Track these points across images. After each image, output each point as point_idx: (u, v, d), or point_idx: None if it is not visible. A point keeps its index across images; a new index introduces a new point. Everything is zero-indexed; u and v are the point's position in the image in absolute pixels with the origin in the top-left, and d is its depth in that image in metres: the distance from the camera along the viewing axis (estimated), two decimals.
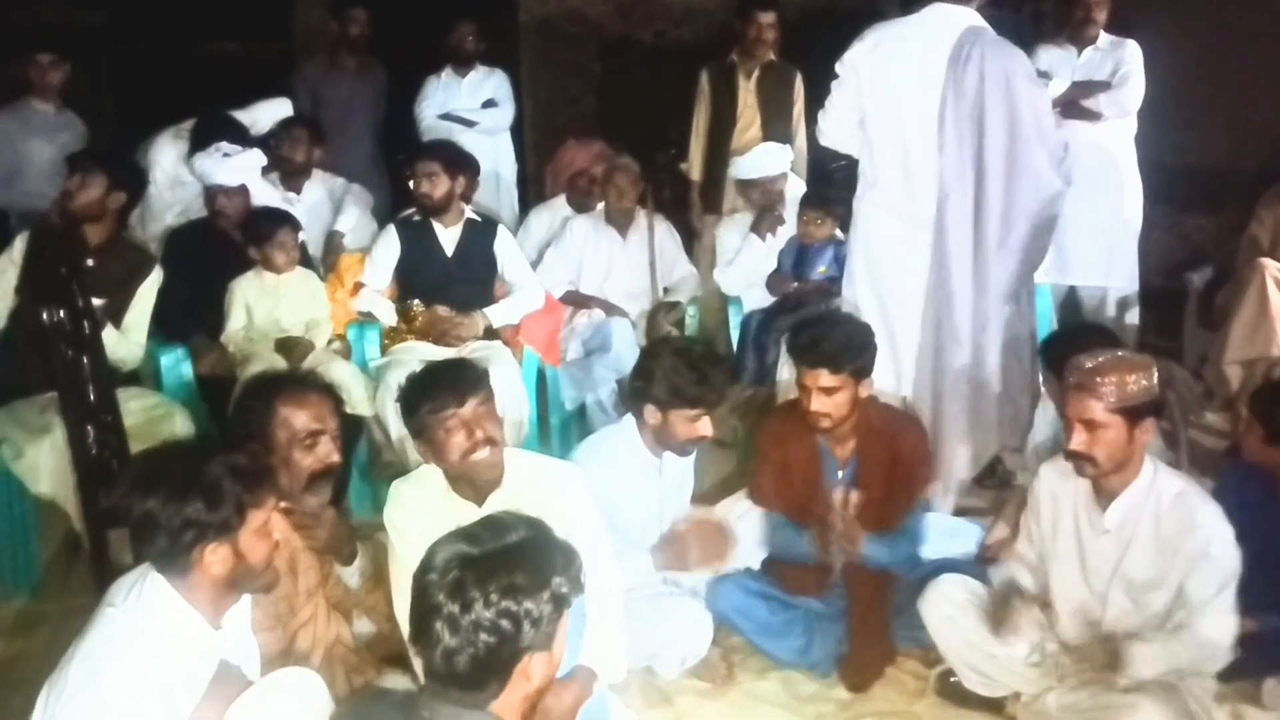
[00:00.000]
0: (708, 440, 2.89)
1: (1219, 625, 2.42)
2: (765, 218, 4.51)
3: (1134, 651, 2.41)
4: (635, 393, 2.84)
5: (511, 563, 1.46)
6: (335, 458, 2.36)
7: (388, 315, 3.94)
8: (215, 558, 1.84)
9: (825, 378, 2.81)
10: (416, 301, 3.88)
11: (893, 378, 3.41)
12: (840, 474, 3.01)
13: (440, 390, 2.33)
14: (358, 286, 4.01)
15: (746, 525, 3.03)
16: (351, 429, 3.58)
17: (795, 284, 4.41)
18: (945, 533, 3.25)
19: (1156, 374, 2.43)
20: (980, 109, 3.26)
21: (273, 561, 1.96)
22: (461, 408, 2.30)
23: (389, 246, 3.99)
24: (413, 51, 5.82)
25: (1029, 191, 3.35)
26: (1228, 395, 4.16)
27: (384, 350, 3.89)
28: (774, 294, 4.51)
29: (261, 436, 2.31)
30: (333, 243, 4.41)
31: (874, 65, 3.36)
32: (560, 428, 4.06)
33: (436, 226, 3.98)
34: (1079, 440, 2.41)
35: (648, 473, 2.89)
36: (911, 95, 3.32)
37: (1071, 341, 3.11)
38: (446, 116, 5.21)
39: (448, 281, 3.91)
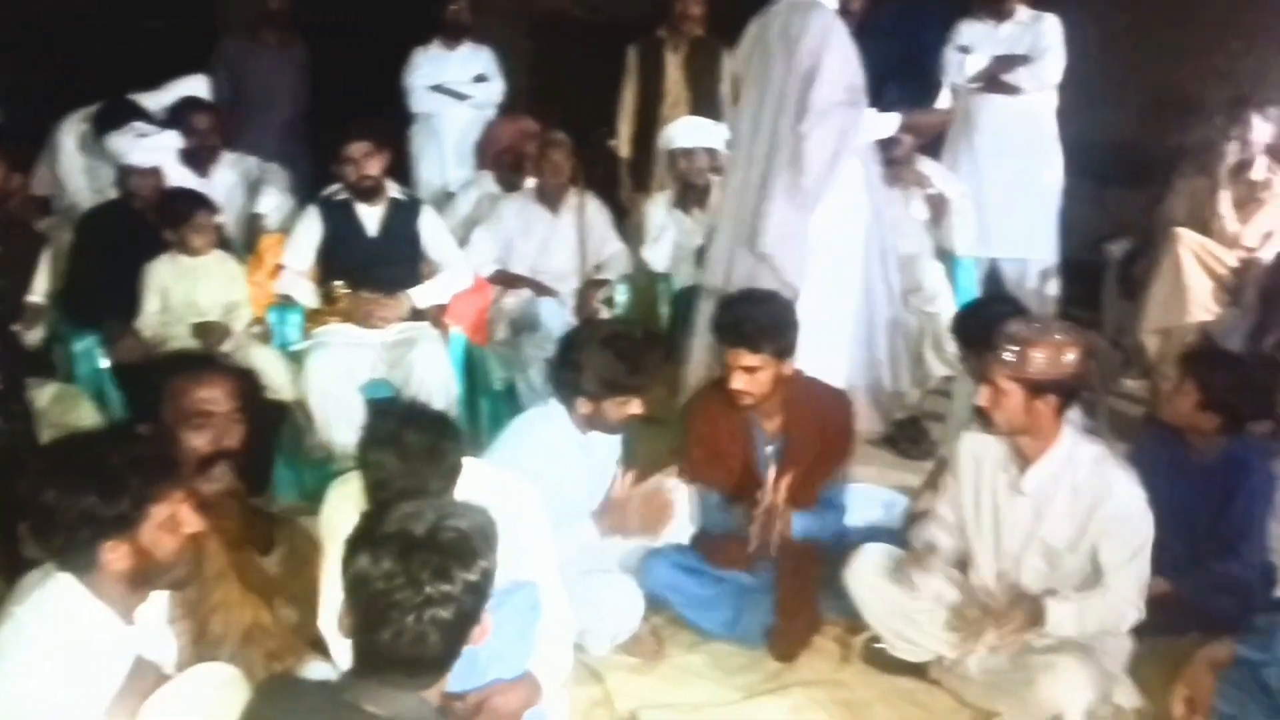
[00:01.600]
0: (639, 418, 2.89)
1: (1130, 588, 2.49)
2: (690, 193, 4.51)
3: (1052, 609, 2.47)
4: (564, 385, 2.81)
5: (457, 535, 1.47)
6: (228, 442, 2.29)
7: (309, 297, 3.86)
8: (115, 554, 1.76)
9: (746, 357, 2.82)
10: (339, 283, 3.81)
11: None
12: (769, 448, 3.03)
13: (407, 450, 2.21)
14: (278, 268, 3.92)
15: (677, 501, 3.04)
16: (273, 414, 3.54)
17: None
18: (871, 503, 3.30)
19: (1071, 359, 2.45)
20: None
21: (183, 556, 1.89)
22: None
23: (310, 227, 3.90)
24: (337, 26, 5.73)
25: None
26: (1146, 363, 4.28)
27: (306, 333, 3.81)
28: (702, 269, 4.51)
29: (153, 417, 2.24)
30: (252, 224, 4.31)
31: (745, 53, 3.50)
32: (490, 408, 4.02)
33: (360, 206, 3.90)
34: (982, 396, 2.51)
35: (576, 452, 2.87)
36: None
37: (981, 312, 3.18)
38: (438, 89, 5.15)
39: (372, 262, 3.84)
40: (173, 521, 1.83)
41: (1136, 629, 2.62)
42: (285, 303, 3.90)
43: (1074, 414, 2.80)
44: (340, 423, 3.53)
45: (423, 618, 1.42)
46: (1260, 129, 4.25)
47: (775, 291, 3.24)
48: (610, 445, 2.99)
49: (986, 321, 2.80)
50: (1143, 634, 2.65)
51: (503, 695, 2.10)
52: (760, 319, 2.85)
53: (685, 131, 4.56)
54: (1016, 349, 2.44)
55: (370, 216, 3.90)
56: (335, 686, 1.53)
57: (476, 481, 2.30)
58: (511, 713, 2.11)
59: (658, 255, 4.58)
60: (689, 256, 4.58)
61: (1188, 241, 4.20)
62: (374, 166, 3.85)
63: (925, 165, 4.41)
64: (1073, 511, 2.51)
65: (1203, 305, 4.13)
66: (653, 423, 3.79)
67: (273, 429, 3.53)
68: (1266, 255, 4.27)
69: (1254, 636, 2.35)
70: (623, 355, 2.73)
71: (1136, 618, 2.52)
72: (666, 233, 4.53)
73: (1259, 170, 4.32)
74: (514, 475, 2.43)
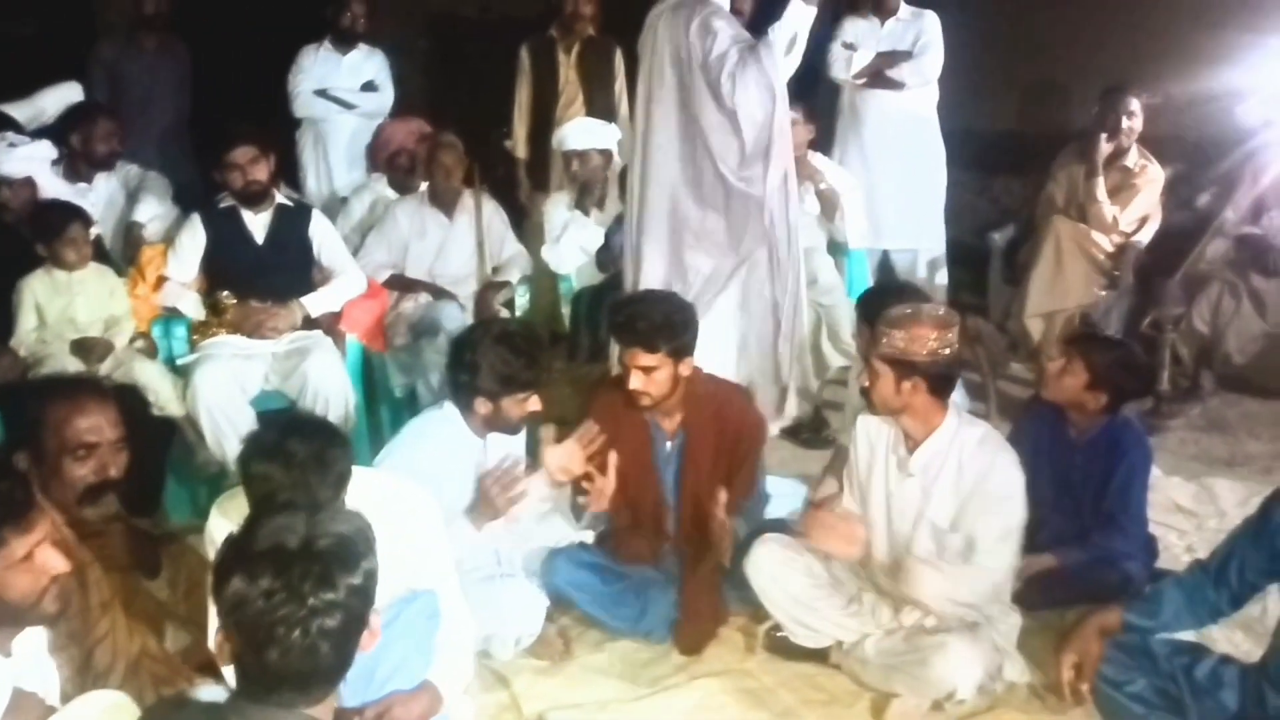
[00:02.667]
0: (538, 415, 2.87)
1: (998, 565, 2.58)
2: (589, 193, 4.51)
3: (922, 572, 2.56)
4: (461, 386, 2.79)
5: (334, 540, 1.43)
6: (113, 471, 2.22)
7: (195, 309, 3.75)
8: None
9: (642, 357, 2.83)
10: (226, 293, 3.71)
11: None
12: (669, 445, 3.05)
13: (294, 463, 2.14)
14: (161, 280, 3.80)
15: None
16: (161, 431, 3.43)
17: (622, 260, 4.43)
18: (772, 493, 3.36)
19: (934, 344, 2.53)
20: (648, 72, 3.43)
21: (44, 597, 1.80)
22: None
23: (194, 236, 3.79)
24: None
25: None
26: (1031, 346, 4.43)
27: (193, 346, 3.69)
28: (602, 270, 4.53)
29: (32, 444, 2.15)
30: (131, 235, 4.17)
31: (642, 51, 3.51)
32: (390, 416, 3.96)
33: (245, 213, 3.80)
34: (862, 376, 2.61)
35: (472, 456, 2.85)
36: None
37: (883, 297, 3.27)
38: (323, 94, 5.00)
39: (260, 270, 3.75)
40: (29, 560, 1.74)
41: (1025, 604, 2.73)
42: (170, 315, 3.77)
43: (960, 397, 2.90)
44: (232, 437, 3.43)
45: (310, 630, 1.38)
46: (1128, 116, 4.44)
47: (670, 292, 3.27)
48: (510, 447, 2.97)
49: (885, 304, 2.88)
50: (1031, 609, 2.75)
51: (403, 706, 2.07)
52: (655, 318, 2.86)
53: (577, 134, 4.57)
54: (885, 330, 2.54)
55: (257, 224, 3.81)
56: (223, 709, 1.48)
57: (368, 490, 2.27)
58: None
59: (558, 256, 4.57)
60: (589, 258, 4.59)
61: (1066, 228, 4.37)
62: (260, 172, 3.76)
63: (816, 160, 4.50)
64: (956, 491, 2.60)
65: (1082, 289, 4.30)
66: (559, 424, 3.81)
67: (161, 447, 3.43)
68: (1142, 239, 4.47)
69: (1140, 604, 2.43)
70: (518, 350, 2.73)
71: (1005, 594, 2.61)
72: (567, 233, 4.53)
73: (1132, 157, 4.51)
74: (407, 481, 2.40)
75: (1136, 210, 4.48)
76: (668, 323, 2.87)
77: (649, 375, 2.85)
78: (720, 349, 3.49)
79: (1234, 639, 2.73)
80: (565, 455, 2.84)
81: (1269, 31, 4.63)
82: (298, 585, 1.38)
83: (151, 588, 2.42)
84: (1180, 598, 2.40)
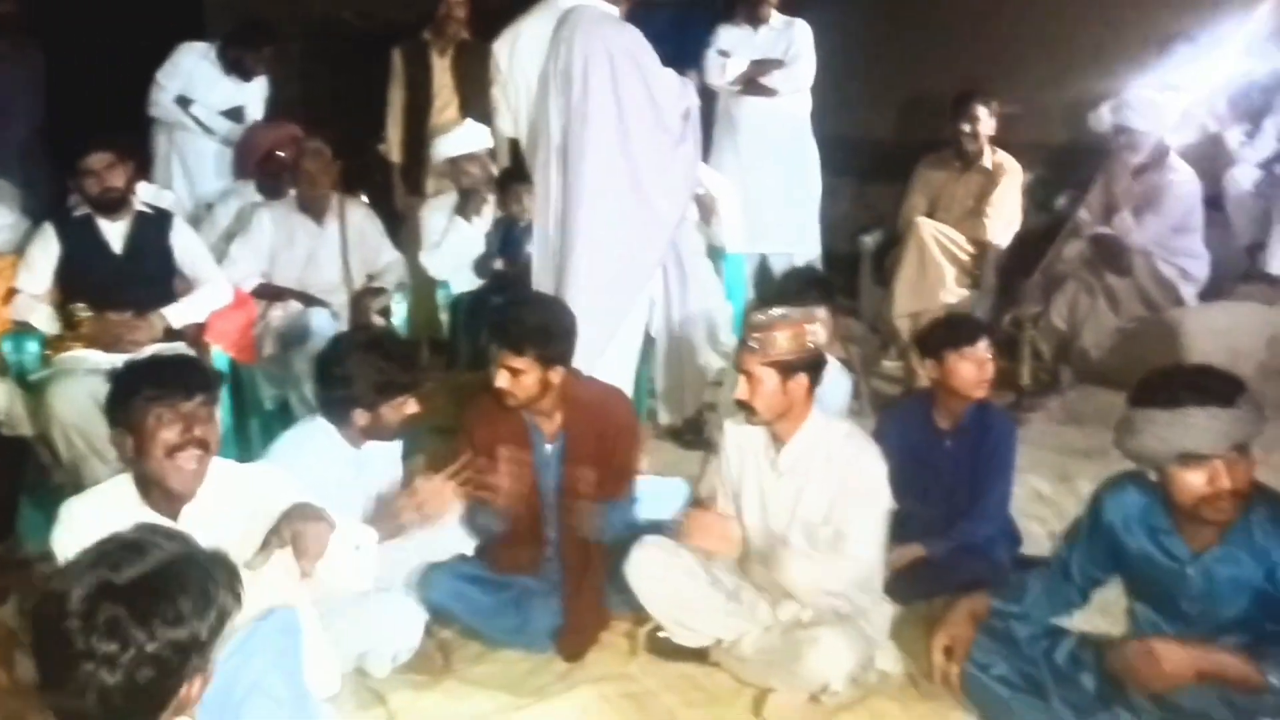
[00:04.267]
0: (417, 419, 2.83)
1: (867, 555, 2.65)
2: (469, 198, 4.46)
3: (792, 559, 2.62)
4: (335, 401, 2.73)
5: (170, 586, 1.32)
6: None
7: (48, 323, 3.57)
8: None
9: (510, 359, 2.82)
10: (82, 305, 3.54)
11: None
12: (549, 448, 3.04)
13: (167, 376, 2.16)
14: (11, 293, 3.60)
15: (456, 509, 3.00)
16: (12, 453, 3.26)
17: (502, 266, 4.40)
18: (654, 495, 3.37)
19: (810, 334, 2.62)
20: (567, 81, 3.39)
21: None
22: (186, 400, 2.14)
23: (46, 246, 3.61)
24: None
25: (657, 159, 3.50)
26: (901, 345, 4.57)
27: (46, 362, 3.51)
28: (482, 277, 4.49)
29: None
30: None
31: (509, 59, 3.49)
32: (261, 429, 3.84)
33: (102, 222, 3.65)
34: (740, 389, 2.63)
35: (348, 468, 2.79)
36: (529, 78, 3.47)
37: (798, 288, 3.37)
38: (185, 103, 4.78)
39: (118, 282, 3.59)
40: None
41: (895, 594, 2.80)
42: (21, 330, 3.58)
43: (843, 390, 2.98)
44: (91, 459, 3.29)
45: (105, 676, 1.27)
46: (984, 121, 4.63)
47: (556, 299, 3.27)
48: (387, 460, 2.92)
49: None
50: (901, 599, 2.83)
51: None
52: (527, 323, 2.85)
53: (460, 138, 4.51)
54: (761, 335, 2.57)
55: (114, 232, 3.65)
56: None
57: (222, 479, 2.20)
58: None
59: (436, 262, 4.51)
60: (468, 264, 4.54)
61: (929, 230, 4.52)
62: (116, 178, 3.61)
63: None
64: (825, 486, 2.66)
65: (946, 289, 4.45)
66: (439, 432, 3.75)
67: (12, 469, 3.26)
68: (1002, 242, 4.65)
69: (1006, 591, 2.53)
70: (390, 355, 2.71)
71: (875, 585, 2.68)
72: (446, 239, 4.48)
73: (987, 158, 4.70)
74: (277, 473, 2.36)
75: (997, 210, 4.66)
76: (541, 328, 2.85)
77: (515, 377, 2.83)
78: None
79: (1093, 622, 2.84)
80: (436, 489, 2.79)
81: (1122, 41, 4.90)
82: (125, 629, 1.28)
83: (1, 615, 2.30)
84: (1041, 588, 2.52)
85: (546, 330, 2.86)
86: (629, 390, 3.70)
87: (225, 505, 2.24)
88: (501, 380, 2.83)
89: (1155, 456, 2.16)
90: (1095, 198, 4.70)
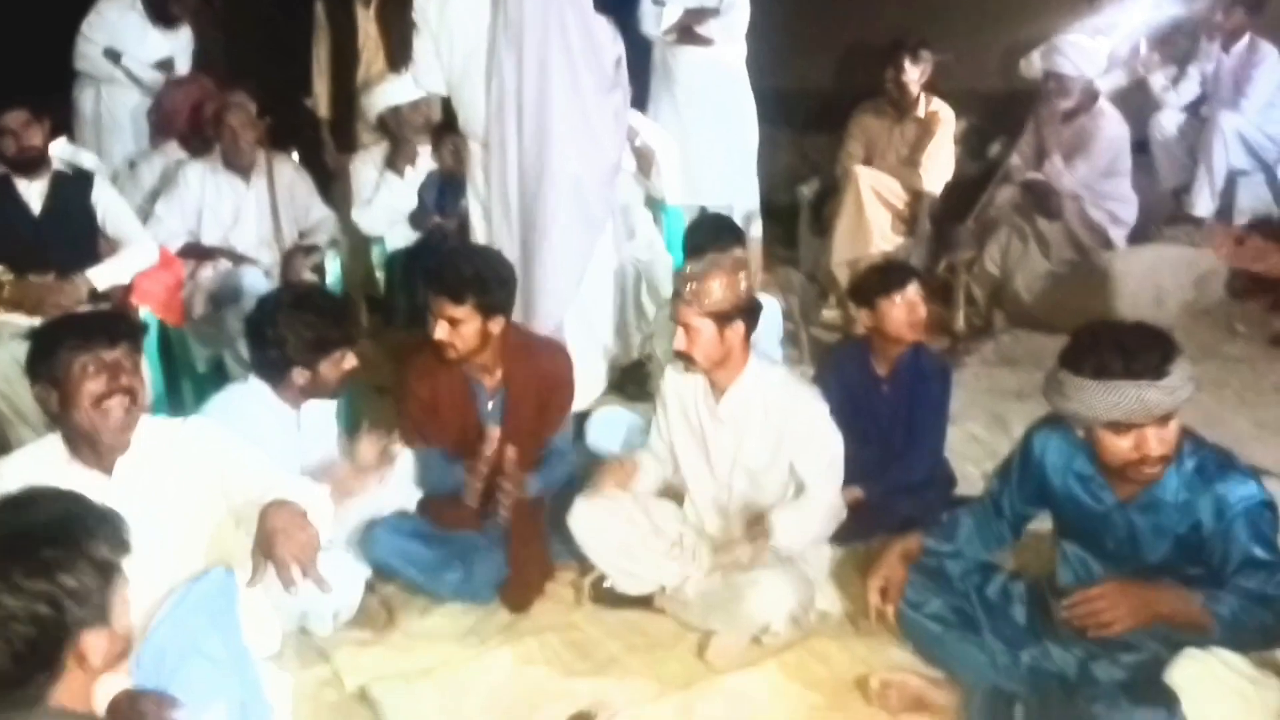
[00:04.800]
0: (355, 374, 2.80)
1: (831, 495, 2.70)
2: (401, 150, 4.39)
3: (777, 518, 2.63)
4: (270, 361, 2.69)
5: (38, 539, 1.31)
6: None
7: None
8: None
9: (449, 308, 2.79)
10: (3, 268, 3.43)
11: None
12: (490, 404, 3.02)
13: (90, 328, 2.12)
14: None
15: (399, 466, 2.98)
16: None
17: (438, 219, 4.35)
18: (606, 422, 3.38)
19: (744, 283, 2.63)
20: (520, 32, 3.35)
21: None
22: (110, 349, 2.10)
23: None
24: None
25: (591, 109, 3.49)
26: (839, 294, 4.61)
27: None
28: (418, 231, 4.42)
29: None
30: None
31: (439, 11, 3.41)
32: (195, 391, 3.77)
33: (19, 182, 3.54)
34: (679, 340, 2.64)
35: (285, 428, 2.76)
36: (467, 31, 3.39)
37: (710, 235, 3.35)
38: (114, 56, 4.62)
39: (39, 243, 3.49)
40: None
41: (834, 536, 2.85)
42: None
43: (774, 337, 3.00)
44: (18, 423, 3.22)
45: (2, 633, 1.28)
46: (917, 70, 4.65)
47: (491, 249, 3.25)
48: (325, 420, 2.89)
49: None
50: (839, 541, 2.88)
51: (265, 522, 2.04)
52: (465, 271, 2.82)
53: (394, 90, 4.40)
54: (695, 286, 2.57)
55: (33, 192, 3.55)
56: None
57: (154, 433, 2.20)
58: (287, 524, 2.04)
59: (369, 218, 4.44)
60: (402, 219, 4.48)
61: (866, 179, 4.56)
62: (34, 137, 3.52)
63: (631, 117, 4.50)
64: (765, 432, 2.69)
65: (882, 236, 4.50)
66: (378, 391, 3.71)
67: None
68: (937, 188, 4.70)
69: (937, 530, 2.59)
70: (321, 311, 2.69)
71: (838, 521, 2.73)
72: (378, 194, 4.40)
73: (921, 107, 4.73)
74: (204, 425, 2.35)
75: (933, 158, 4.69)
76: (479, 277, 2.83)
77: (455, 327, 2.80)
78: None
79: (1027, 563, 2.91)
80: (375, 453, 2.79)
81: None
82: None
83: None
84: (972, 525, 2.57)
85: (484, 278, 2.83)
86: (610, 333, 3.74)
87: (159, 459, 2.21)
88: (441, 331, 2.80)
89: (1083, 421, 2.18)
90: (1026, 143, 4.77)
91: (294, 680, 2.49)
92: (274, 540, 2.03)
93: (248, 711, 2.13)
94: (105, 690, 1.91)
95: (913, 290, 3.05)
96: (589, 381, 3.62)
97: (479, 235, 3.63)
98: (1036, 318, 4.54)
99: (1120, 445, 2.15)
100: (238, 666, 2.13)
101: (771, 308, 3.48)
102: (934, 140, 4.67)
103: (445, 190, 4.36)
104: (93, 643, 1.34)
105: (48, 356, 2.10)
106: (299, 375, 2.68)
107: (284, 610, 2.48)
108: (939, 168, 4.67)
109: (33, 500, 1.38)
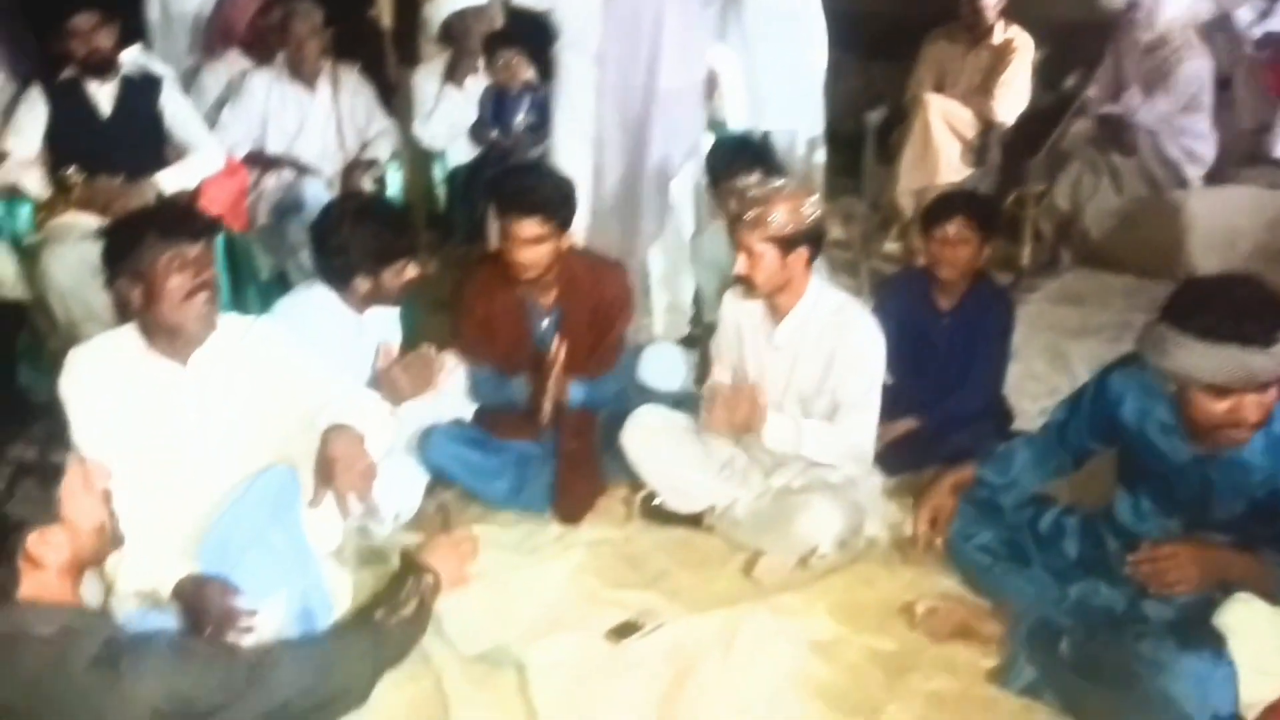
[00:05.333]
0: (416, 283, 2.82)
1: (862, 423, 2.68)
2: (459, 63, 4.35)
3: (771, 421, 2.63)
4: (334, 269, 2.72)
5: None
6: None
7: (39, 187, 3.51)
8: None
9: (528, 227, 2.79)
10: (73, 169, 3.48)
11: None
12: (545, 321, 3.04)
13: (173, 224, 2.16)
14: (0, 157, 3.54)
15: (455, 380, 3.02)
16: (9, 316, 3.26)
17: (496, 135, 4.33)
18: (658, 358, 3.38)
19: (808, 207, 2.59)
20: None
21: None
22: (192, 245, 2.14)
23: (33, 109, 3.52)
24: None
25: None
26: (902, 223, 4.54)
27: (39, 226, 3.48)
28: (477, 145, 4.41)
29: None
30: None
31: None
32: (259, 299, 3.82)
33: (90, 85, 3.57)
34: (740, 265, 2.60)
35: (349, 332, 2.80)
36: None
37: (728, 157, 3.32)
38: None
39: (108, 146, 3.53)
40: None
41: (885, 466, 2.85)
42: (12, 194, 3.52)
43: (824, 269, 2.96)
44: (88, 322, 3.29)
45: None
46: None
47: (551, 166, 3.25)
48: (386, 322, 2.92)
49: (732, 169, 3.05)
50: (891, 471, 2.88)
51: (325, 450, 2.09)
52: (542, 189, 2.85)
53: None
54: (758, 211, 2.54)
55: (102, 95, 3.57)
56: None
57: (228, 328, 2.25)
58: (345, 452, 2.10)
59: (429, 132, 4.43)
60: (462, 133, 4.47)
61: (936, 106, 4.44)
62: (103, 39, 3.52)
63: None
64: (819, 356, 2.67)
65: (950, 166, 4.40)
66: (436, 305, 3.75)
67: (9, 333, 3.26)
68: (1009, 118, 4.57)
69: (992, 461, 2.56)
70: (386, 220, 2.71)
71: (857, 455, 2.72)
72: (438, 107, 4.38)
73: (997, 35, 4.58)
74: (276, 328, 2.39)
75: (1006, 86, 4.55)
76: (558, 193, 2.86)
77: (536, 246, 2.81)
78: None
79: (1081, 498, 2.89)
80: (432, 361, 2.79)
81: None
82: None
83: None
84: (1029, 455, 2.54)
85: (560, 195, 2.86)
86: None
87: (232, 355, 2.26)
88: (524, 254, 2.81)
89: (1180, 379, 2.07)
90: (1104, 75, 4.61)
91: (353, 577, 2.57)
92: (333, 469, 2.09)
93: (308, 602, 2.21)
94: (171, 574, 2.02)
95: (954, 226, 2.96)
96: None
97: (566, 154, 3.55)
98: (1104, 255, 4.43)
99: (1215, 408, 2.04)
100: (298, 559, 2.20)
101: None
102: (1009, 68, 4.52)
103: (501, 105, 4.34)
104: (47, 541, 1.34)
105: (131, 252, 2.13)
106: (362, 283, 2.71)
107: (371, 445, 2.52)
108: (1013, 97, 4.53)
109: None
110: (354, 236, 2.67)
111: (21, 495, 1.31)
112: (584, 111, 3.52)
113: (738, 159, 3.33)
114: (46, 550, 1.34)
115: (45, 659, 1.28)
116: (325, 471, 2.10)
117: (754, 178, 2.85)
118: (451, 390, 2.97)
